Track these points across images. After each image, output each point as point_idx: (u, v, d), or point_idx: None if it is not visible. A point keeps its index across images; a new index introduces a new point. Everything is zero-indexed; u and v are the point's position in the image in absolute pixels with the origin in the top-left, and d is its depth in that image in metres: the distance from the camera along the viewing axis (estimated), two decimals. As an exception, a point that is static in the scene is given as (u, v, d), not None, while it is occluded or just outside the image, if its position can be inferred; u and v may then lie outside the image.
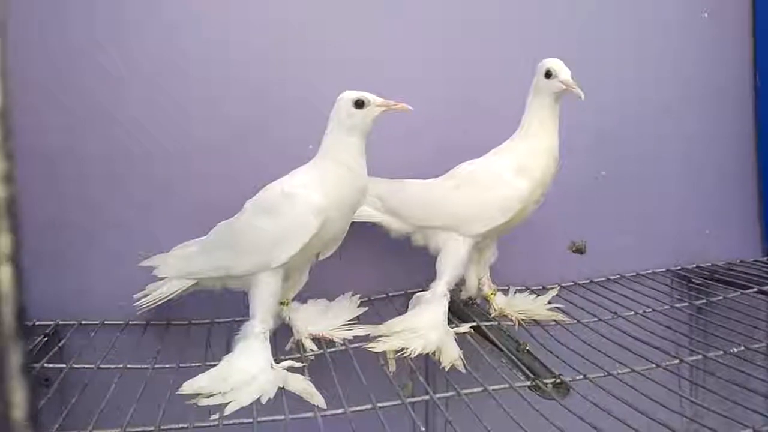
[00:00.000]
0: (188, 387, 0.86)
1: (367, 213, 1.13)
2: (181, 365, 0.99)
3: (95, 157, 1.16)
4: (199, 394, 0.85)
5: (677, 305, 1.22)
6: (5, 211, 0.31)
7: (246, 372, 0.88)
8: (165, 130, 1.18)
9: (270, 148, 1.21)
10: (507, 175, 1.07)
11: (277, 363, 0.93)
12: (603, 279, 1.36)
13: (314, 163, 0.99)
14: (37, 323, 1.10)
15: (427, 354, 0.97)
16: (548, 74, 1.04)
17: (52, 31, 1.13)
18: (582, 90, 1.02)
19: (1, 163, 0.31)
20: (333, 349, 1.02)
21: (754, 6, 1.47)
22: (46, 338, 1.06)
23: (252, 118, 1.21)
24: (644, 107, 1.43)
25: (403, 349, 0.96)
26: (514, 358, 0.98)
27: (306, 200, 0.95)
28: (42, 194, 1.13)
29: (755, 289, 1.20)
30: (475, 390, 0.88)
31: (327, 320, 1.08)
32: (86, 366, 0.98)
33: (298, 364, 0.95)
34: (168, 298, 1.04)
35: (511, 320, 1.12)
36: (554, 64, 1.04)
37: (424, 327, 1.00)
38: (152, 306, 1.05)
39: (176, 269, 1.05)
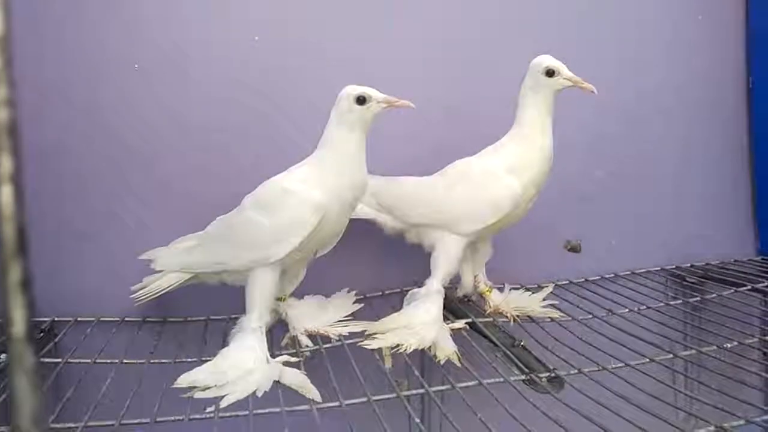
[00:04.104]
0: (184, 380, 0.86)
1: (362, 210, 1.13)
2: (177, 360, 0.99)
3: (92, 155, 1.16)
4: (194, 387, 0.85)
5: (672, 303, 1.23)
6: (7, 133, 0.32)
7: (242, 366, 0.88)
8: (164, 128, 1.19)
9: (269, 147, 1.21)
10: (500, 173, 1.07)
11: (274, 358, 0.94)
12: (598, 277, 1.36)
13: (313, 158, 0.99)
14: (33, 320, 1.09)
15: (423, 349, 0.97)
16: (550, 73, 1.04)
17: (52, 29, 1.13)
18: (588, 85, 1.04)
19: (3, 89, 0.32)
20: (329, 345, 1.02)
21: (748, 8, 1.49)
22: (41, 334, 1.07)
23: (251, 117, 1.22)
24: (639, 108, 1.44)
25: (398, 345, 0.96)
26: (509, 353, 0.98)
27: (305, 196, 0.95)
28: (39, 191, 1.13)
29: (749, 287, 1.21)
30: (470, 383, 0.89)
31: (323, 316, 1.09)
32: (82, 361, 0.98)
33: (294, 359, 0.95)
34: (165, 290, 1.05)
35: (506, 317, 1.12)
36: (554, 61, 1.04)
37: (419, 323, 1.00)
38: (149, 299, 1.06)
39: (174, 263, 1.05)
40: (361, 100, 0.95)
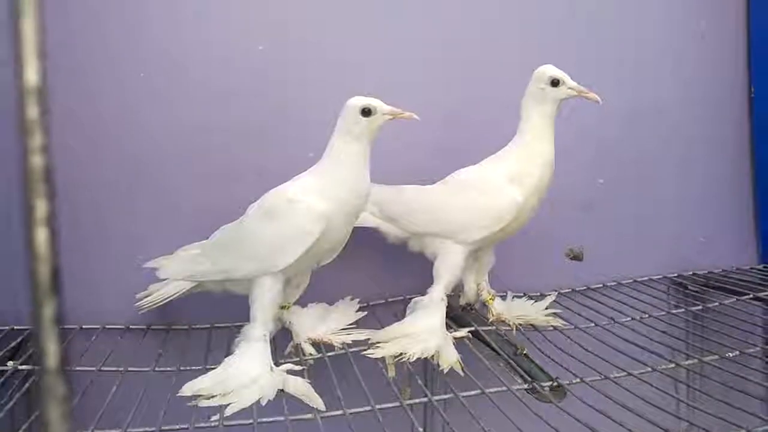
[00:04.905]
0: (189, 388, 0.87)
1: (364, 219, 1.14)
2: (181, 368, 0.99)
3: (97, 163, 1.17)
4: (199, 396, 0.86)
5: (674, 311, 1.23)
6: (43, 179, 0.35)
7: (246, 374, 0.89)
8: (165, 133, 1.19)
9: (270, 150, 1.22)
10: (502, 183, 1.07)
11: (277, 366, 0.94)
12: (600, 286, 1.37)
13: (318, 168, 1.00)
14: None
15: (426, 358, 0.98)
16: (555, 83, 1.05)
17: (54, 32, 1.13)
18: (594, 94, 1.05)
19: (40, 136, 0.35)
20: (332, 353, 1.03)
21: (749, 16, 1.49)
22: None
23: (252, 120, 1.22)
24: (641, 117, 1.44)
25: (401, 354, 0.96)
26: (511, 361, 0.98)
27: (308, 206, 0.96)
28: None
29: (751, 296, 1.21)
30: (473, 393, 0.89)
31: (326, 325, 1.09)
32: (87, 369, 0.99)
33: (297, 368, 0.96)
34: (169, 299, 1.05)
35: (509, 325, 1.13)
36: (557, 71, 1.05)
37: (422, 332, 1.01)
38: (154, 306, 1.06)
39: (178, 271, 1.05)
40: (366, 112, 0.96)
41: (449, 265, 1.09)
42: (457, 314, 1.17)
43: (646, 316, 1.18)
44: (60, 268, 0.36)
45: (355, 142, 0.97)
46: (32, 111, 0.35)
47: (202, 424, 0.81)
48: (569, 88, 1.05)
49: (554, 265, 1.38)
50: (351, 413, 0.83)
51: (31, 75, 0.35)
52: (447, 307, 1.08)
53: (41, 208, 0.35)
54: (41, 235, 0.35)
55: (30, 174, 0.35)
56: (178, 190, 1.20)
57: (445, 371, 0.95)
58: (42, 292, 0.36)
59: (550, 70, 1.06)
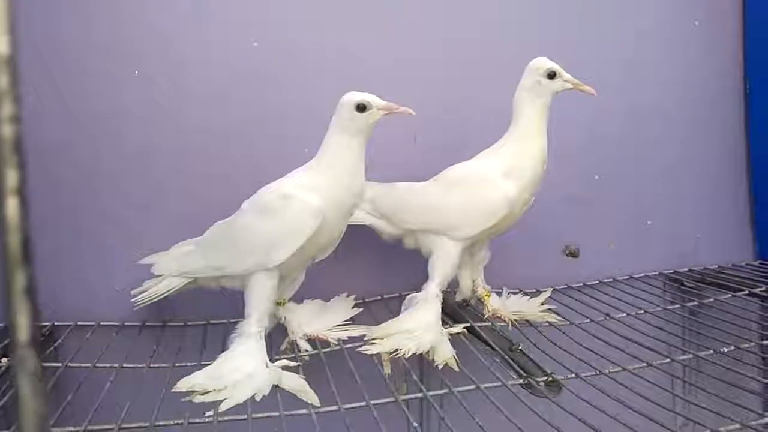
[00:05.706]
0: (183, 384, 0.87)
1: (359, 216, 1.13)
2: (176, 364, 0.99)
3: (91, 160, 1.16)
4: (193, 392, 0.86)
5: (669, 307, 1.23)
6: (13, 148, 0.35)
7: (241, 370, 0.89)
8: (163, 130, 1.19)
9: (268, 148, 1.22)
10: (495, 177, 1.07)
11: (273, 362, 0.94)
12: (596, 282, 1.37)
13: (313, 165, 1.00)
14: (37, 326, 1.09)
15: (421, 353, 0.98)
16: (552, 75, 1.05)
17: (49, 29, 1.13)
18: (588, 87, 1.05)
19: (10, 106, 0.34)
20: (328, 350, 1.03)
21: (745, 14, 1.50)
22: (41, 339, 1.07)
23: (251, 118, 1.22)
24: (637, 113, 1.44)
25: (397, 350, 0.96)
26: (507, 357, 0.98)
27: (303, 202, 0.95)
28: (38, 195, 1.13)
29: (746, 292, 1.22)
30: (468, 388, 0.89)
31: (322, 321, 1.09)
32: (82, 365, 0.99)
33: (293, 364, 0.96)
34: (164, 295, 1.05)
35: (505, 321, 1.13)
36: (553, 64, 1.05)
37: (417, 328, 1.01)
38: (149, 302, 1.06)
39: (173, 267, 1.05)
40: (361, 108, 0.96)
41: (444, 261, 1.09)
42: (452, 310, 1.17)
43: (642, 311, 1.19)
44: (31, 238, 0.35)
45: (351, 138, 0.96)
46: (2, 81, 0.34)
47: (197, 420, 0.81)
48: (564, 80, 1.05)
49: (550, 261, 1.38)
50: (346, 409, 0.83)
51: (1, 45, 0.34)
52: (442, 303, 1.08)
53: (12, 177, 0.35)
54: (12, 204, 0.35)
55: (0, 144, 0.35)
56: (174, 187, 1.20)
57: (441, 367, 0.95)
58: (13, 263, 0.35)
59: (547, 63, 1.05)
